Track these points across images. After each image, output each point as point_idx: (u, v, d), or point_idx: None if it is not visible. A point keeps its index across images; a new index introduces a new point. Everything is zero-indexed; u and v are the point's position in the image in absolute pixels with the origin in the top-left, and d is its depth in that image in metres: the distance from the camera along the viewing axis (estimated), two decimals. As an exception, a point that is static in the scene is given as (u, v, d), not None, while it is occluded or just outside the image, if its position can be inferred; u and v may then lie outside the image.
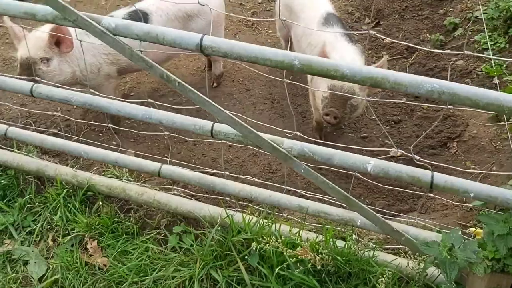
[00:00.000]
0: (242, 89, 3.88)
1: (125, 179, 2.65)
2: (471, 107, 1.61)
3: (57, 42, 2.94)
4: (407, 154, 1.94)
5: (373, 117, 3.70)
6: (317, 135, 3.51)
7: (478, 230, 2.28)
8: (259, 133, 2.01)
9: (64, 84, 2.90)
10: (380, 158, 1.99)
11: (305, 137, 2.04)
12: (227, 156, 3.35)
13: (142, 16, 3.27)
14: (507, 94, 1.57)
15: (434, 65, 4.00)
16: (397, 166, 1.93)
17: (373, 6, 4.85)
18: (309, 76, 3.31)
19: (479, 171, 2.64)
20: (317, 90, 3.01)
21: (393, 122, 3.64)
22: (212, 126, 2.08)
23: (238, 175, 2.61)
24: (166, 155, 3.41)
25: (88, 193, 2.65)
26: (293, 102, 3.79)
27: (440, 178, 1.88)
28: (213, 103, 1.94)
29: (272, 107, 3.75)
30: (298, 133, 2.01)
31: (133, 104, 2.18)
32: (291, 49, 3.95)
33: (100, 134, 3.49)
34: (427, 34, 4.35)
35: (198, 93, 1.93)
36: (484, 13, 4.23)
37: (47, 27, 2.94)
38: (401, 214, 2.74)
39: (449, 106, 1.82)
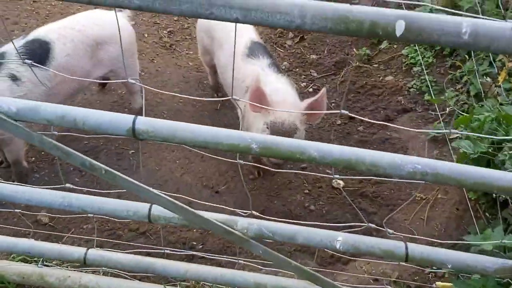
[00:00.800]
0: (167, 123, 3.50)
1: (41, 264, 2.21)
2: (456, 186, 1.43)
3: None
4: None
5: (310, 144, 3.50)
6: (254, 171, 3.25)
7: (445, 284, 2.16)
8: (207, 214, 1.71)
9: None
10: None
11: (262, 215, 1.76)
12: (159, 206, 2.98)
13: (41, 47, 2.80)
14: (493, 171, 1.40)
15: (364, 82, 3.89)
16: (368, 240, 1.72)
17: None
18: (239, 112, 3.03)
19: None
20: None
21: (331, 148, 3.47)
22: (150, 210, 1.74)
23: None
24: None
25: (-3, 284, 2.19)
26: (225, 133, 3.49)
27: (415, 249, 1.70)
28: (150, 189, 1.60)
29: (203, 141, 3.42)
30: (255, 213, 1.73)
31: (47, 189, 1.77)
32: (216, 77, 3.67)
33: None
34: (354, 49, 4.23)
35: (130, 179, 1.57)
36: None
37: None
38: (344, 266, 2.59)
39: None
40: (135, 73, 3.31)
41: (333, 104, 3.80)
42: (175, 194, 1.76)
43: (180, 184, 3.12)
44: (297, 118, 2.60)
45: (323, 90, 2.58)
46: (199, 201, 1.83)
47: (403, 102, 3.65)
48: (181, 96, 3.74)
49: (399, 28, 1.03)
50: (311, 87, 3.99)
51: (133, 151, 3.31)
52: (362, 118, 1.46)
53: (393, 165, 1.37)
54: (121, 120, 1.41)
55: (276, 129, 2.55)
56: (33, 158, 3.22)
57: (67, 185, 1.74)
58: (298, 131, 2.60)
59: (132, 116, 1.41)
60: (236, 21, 1.08)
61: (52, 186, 1.77)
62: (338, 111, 1.33)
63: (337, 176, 1.59)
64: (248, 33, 3.16)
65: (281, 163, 2.61)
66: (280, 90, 2.78)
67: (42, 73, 2.76)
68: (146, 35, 4.27)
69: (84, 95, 3.63)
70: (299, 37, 4.48)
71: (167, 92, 1.56)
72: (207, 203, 1.91)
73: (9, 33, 4.08)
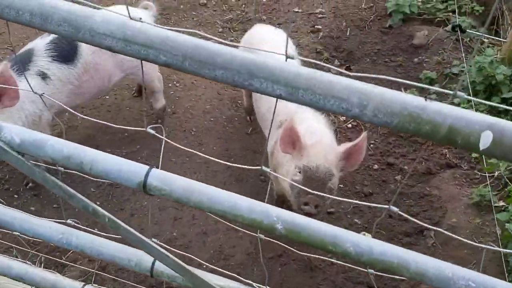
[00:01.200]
0: (194, 142, 3.33)
1: (36, 288, 2.06)
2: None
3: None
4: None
5: (340, 185, 3.27)
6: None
7: None
8: (217, 279, 1.52)
9: None
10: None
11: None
12: (171, 233, 2.81)
13: (69, 43, 2.71)
14: None
15: (408, 126, 3.62)
16: None
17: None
18: (269, 148, 2.80)
19: None
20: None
21: (363, 195, 3.23)
22: (153, 264, 1.55)
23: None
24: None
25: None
26: (252, 161, 3.30)
27: None
28: (156, 246, 1.41)
29: (228, 167, 3.24)
30: (270, 288, 1.52)
31: (47, 221, 1.61)
32: (251, 100, 3.49)
33: (16, 196, 2.85)
34: (402, 90, 3.97)
35: (135, 232, 1.39)
36: (461, 70, 3.92)
37: None
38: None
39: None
40: (155, 75, 3.22)
41: (371, 146, 3.56)
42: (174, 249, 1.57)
43: (196, 211, 2.93)
44: (333, 163, 2.37)
45: (364, 134, 2.34)
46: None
47: (448, 156, 3.37)
48: (212, 114, 3.58)
49: (485, 141, 0.80)
50: (350, 123, 3.75)
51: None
52: (413, 219, 1.23)
53: (442, 278, 1.14)
54: (133, 170, 1.23)
55: (309, 175, 2.33)
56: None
57: (69, 221, 1.57)
58: (333, 177, 2.37)
59: (146, 168, 1.23)
60: (279, 97, 0.89)
61: (53, 219, 1.61)
62: (387, 207, 1.11)
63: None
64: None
65: (315, 213, 2.35)
66: (317, 130, 2.55)
67: (69, 71, 2.68)
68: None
69: (115, 99, 3.50)
70: (345, 67, 4.25)
71: (201, 154, 1.35)
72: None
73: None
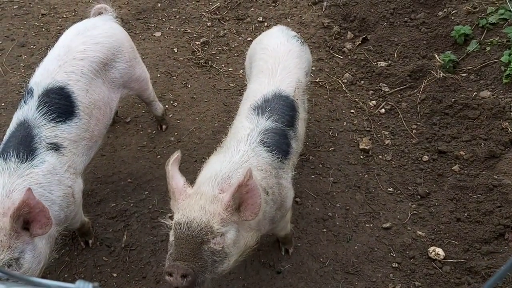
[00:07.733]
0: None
1: None
2: None
3: (26, 222, 1.79)
4: None
5: (390, 190, 2.76)
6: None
7: None
8: None
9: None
10: None
11: None
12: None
13: (60, 94, 2.18)
14: None
15: (452, 99, 3.06)
16: None
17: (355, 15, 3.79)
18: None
19: None
20: None
21: (418, 197, 2.71)
22: None
23: None
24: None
25: None
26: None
27: None
28: None
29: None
30: None
31: None
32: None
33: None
34: (435, 55, 3.38)
35: None
36: (502, 18, 3.31)
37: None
38: None
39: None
40: (148, 78, 2.78)
41: (414, 131, 3.01)
42: None
43: (232, 263, 2.45)
44: (215, 216, 1.69)
45: (248, 171, 1.64)
46: None
47: (509, 130, 2.82)
48: (224, 133, 3.04)
49: None
50: (382, 107, 3.20)
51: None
52: None
53: None
54: None
55: (179, 234, 1.71)
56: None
57: None
58: (217, 236, 1.68)
59: None
60: None
61: None
62: None
63: None
64: (286, 75, 2.28)
65: (185, 285, 1.62)
66: None
67: (77, 126, 2.18)
68: (175, 49, 3.53)
69: (107, 138, 2.97)
70: (360, 38, 3.64)
71: None
72: None
73: (16, 58, 3.44)
